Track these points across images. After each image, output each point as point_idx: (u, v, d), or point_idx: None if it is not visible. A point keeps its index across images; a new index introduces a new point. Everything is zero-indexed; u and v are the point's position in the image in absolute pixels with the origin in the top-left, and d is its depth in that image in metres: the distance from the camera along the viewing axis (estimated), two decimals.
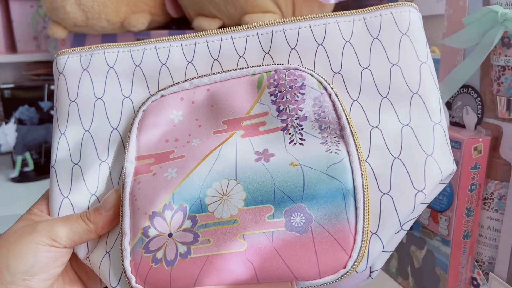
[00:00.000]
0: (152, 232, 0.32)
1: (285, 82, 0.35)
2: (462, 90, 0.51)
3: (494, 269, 0.49)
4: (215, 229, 0.32)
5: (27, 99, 1.06)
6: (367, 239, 0.31)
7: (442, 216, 0.50)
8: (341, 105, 0.34)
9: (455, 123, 0.53)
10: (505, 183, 0.48)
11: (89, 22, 1.02)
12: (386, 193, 0.33)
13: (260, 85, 0.35)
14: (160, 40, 0.38)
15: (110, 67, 0.38)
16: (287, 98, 0.35)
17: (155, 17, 1.05)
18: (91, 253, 0.35)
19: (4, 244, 0.33)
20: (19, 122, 1.02)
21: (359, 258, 0.30)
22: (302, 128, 0.34)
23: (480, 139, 0.47)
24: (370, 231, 0.32)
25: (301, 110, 0.34)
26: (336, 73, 0.36)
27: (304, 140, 0.34)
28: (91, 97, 0.37)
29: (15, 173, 1.02)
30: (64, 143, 0.37)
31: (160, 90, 0.36)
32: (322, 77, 0.35)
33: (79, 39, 1.11)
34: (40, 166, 1.07)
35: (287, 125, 0.35)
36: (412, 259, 0.57)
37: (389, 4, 0.36)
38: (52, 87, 1.08)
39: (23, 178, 1.01)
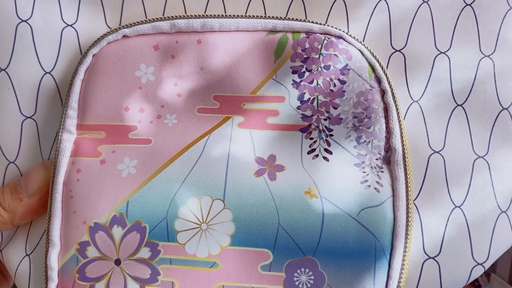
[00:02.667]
0: (91, 251, 0.23)
1: (319, 57, 0.23)
2: None
3: (495, 269, 0.49)
4: (183, 269, 0.22)
5: None
6: None
7: None
8: (398, 114, 0.23)
9: None
10: None
11: None
12: (433, 258, 0.23)
13: (281, 52, 0.23)
14: None
15: None
16: (318, 83, 0.23)
17: None
18: (6, 246, 0.26)
19: None
20: None
21: None
22: (332, 135, 0.23)
23: None
24: None
25: (335, 108, 0.23)
26: (396, 51, 0.24)
27: (330, 153, 0.23)
28: (12, 18, 0.24)
29: None
30: None
31: (123, 27, 0.23)
32: (378, 60, 0.23)
33: None
34: None
35: (310, 124, 0.23)
36: None
37: None
38: None
39: None
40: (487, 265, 0.24)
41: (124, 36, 0.23)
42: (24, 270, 0.25)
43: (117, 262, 0.23)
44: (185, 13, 0.24)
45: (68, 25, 0.24)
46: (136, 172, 0.23)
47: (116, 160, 0.24)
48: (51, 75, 0.24)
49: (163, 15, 0.23)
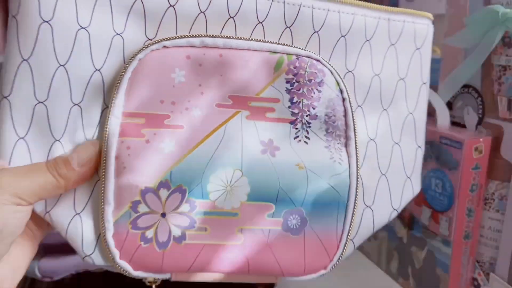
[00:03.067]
0: (142, 208, 0.31)
1: (305, 73, 0.33)
2: (463, 90, 0.51)
3: (495, 269, 0.49)
4: (213, 218, 0.32)
5: None
6: (346, 246, 0.35)
7: (443, 217, 0.50)
8: (352, 114, 0.34)
9: (456, 123, 0.52)
10: (506, 183, 0.48)
11: None
12: (369, 206, 0.36)
13: (279, 68, 0.33)
14: None
15: None
16: (303, 91, 0.33)
17: None
18: (53, 208, 0.31)
19: None
20: None
21: (337, 261, 0.35)
22: (310, 127, 0.34)
23: (481, 139, 0.47)
24: (349, 238, 0.35)
25: (314, 108, 0.34)
26: (349, 71, 0.35)
27: (309, 139, 0.34)
28: (73, 24, 0.29)
29: None
30: (26, 72, 0.29)
31: (165, 39, 0.31)
32: (341, 77, 0.34)
33: None
34: None
35: (296, 119, 0.34)
36: (412, 260, 0.57)
37: (413, 11, 0.36)
38: None
39: None
40: (399, 210, 0.38)
41: (164, 47, 0.31)
42: (75, 227, 0.31)
43: (163, 215, 0.31)
44: (206, 29, 0.32)
45: (117, 33, 0.31)
46: (175, 149, 0.31)
47: (158, 140, 0.31)
48: (99, 72, 0.31)
49: (188, 33, 0.32)
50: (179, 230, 0.32)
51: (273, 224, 0.33)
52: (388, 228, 0.61)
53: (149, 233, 0.31)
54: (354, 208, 0.34)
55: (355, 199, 0.34)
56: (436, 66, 0.57)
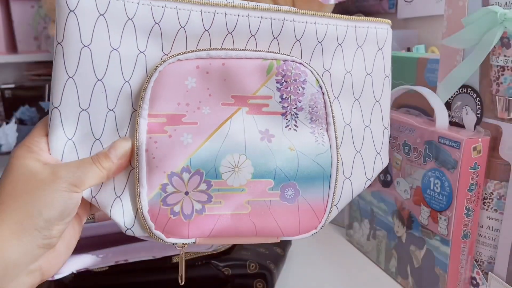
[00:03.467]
0: (170, 188, 0.39)
1: (291, 74, 0.40)
2: (462, 90, 0.51)
3: (493, 268, 0.49)
4: (226, 194, 0.40)
5: (28, 99, 1.07)
6: (331, 210, 0.42)
7: (442, 216, 0.50)
8: (330, 105, 0.42)
9: (455, 123, 0.53)
10: (505, 183, 0.48)
11: None
12: (348, 178, 0.44)
13: (270, 71, 0.40)
14: (181, 2, 0.38)
15: (129, 19, 0.37)
16: (290, 89, 0.40)
17: None
18: (98, 194, 0.39)
19: (29, 190, 0.34)
20: (20, 122, 1.03)
21: (325, 223, 0.42)
22: (297, 117, 0.41)
23: (480, 139, 0.47)
24: (334, 204, 0.43)
25: (300, 102, 0.41)
26: (326, 70, 0.42)
27: (297, 127, 0.41)
28: (107, 47, 0.37)
29: None
30: (72, 87, 0.37)
31: (178, 54, 0.38)
32: (320, 76, 0.41)
33: None
34: None
35: (286, 111, 0.41)
36: (411, 259, 0.57)
37: (375, 19, 0.43)
38: None
39: None
40: (372, 180, 0.45)
41: (178, 60, 0.38)
42: (117, 207, 0.39)
43: (186, 193, 0.39)
44: (210, 44, 0.39)
45: (141, 52, 0.38)
46: (192, 141, 0.39)
47: (178, 135, 0.39)
48: (128, 83, 0.38)
49: (196, 47, 0.39)
50: (200, 205, 0.40)
51: (273, 196, 0.41)
52: (387, 227, 0.61)
53: (177, 208, 0.39)
54: (336, 180, 0.42)
55: (337, 173, 0.42)
56: (434, 67, 0.57)
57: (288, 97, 0.40)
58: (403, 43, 0.88)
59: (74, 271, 0.50)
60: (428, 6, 0.87)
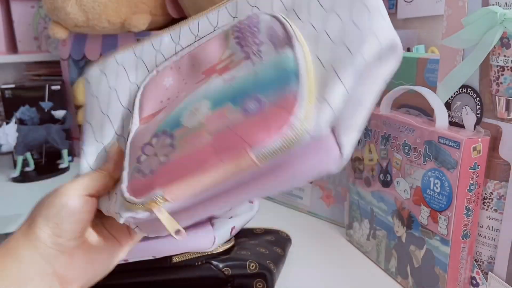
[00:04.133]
0: (142, 158, 0.38)
1: (245, 26, 0.41)
2: (461, 90, 0.51)
3: (493, 268, 0.49)
4: (187, 136, 0.35)
5: (28, 99, 1.07)
6: (310, 101, 0.32)
7: (442, 216, 0.50)
8: (289, 23, 0.38)
9: (454, 123, 0.53)
10: (504, 183, 0.48)
11: (89, 22, 1.02)
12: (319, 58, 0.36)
13: (228, 36, 0.41)
14: (154, 37, 0.46)
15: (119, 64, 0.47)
16: (246, 34, 0.40)
17: (156, 17, 1.05)
18: (109, 206, 0.41)
19: (38, 205, 0.39)
20: (20, 122, 1.02)
21: (302, 115, 0.32)
22: (261, 52, 0.37)
23: (479, 139, 0.47)
24: (315, 97, 0.33)
25: (259, 39, 0.38)
26: (289, 10, 0.41)
27: (262, 58, 0.37)
28: (127, 83, 0.46)
29: (16, 173, 1.02)
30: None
31: (155, 67, 0.45)
32: (274, 13, 0.40)
33: (79, 39, 1.10)
34: (40, 166, 1.07)
35: (249, 54, 0.38)
36: (411, 259, 0.57)
37: None
38: (52, 87, 1.09)
39: (24, 178, 1.01)
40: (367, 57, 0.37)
41: (157, 71, 0.44)
42: (115, 203, 0.39)
43: (155, 154, 0.37)
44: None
45: (132, 82, 0.46)
46: (163, 116, 0.40)
47: (155, 118, 0.41)
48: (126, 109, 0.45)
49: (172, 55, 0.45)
50: (165, 157, 0.36)
51: (233, 115, 0.34)
52: (387, 227, 0.61)
53: (146, 169, 0.37)
54: (306, 70, 0.34)
55: (306, 67, 0.34)
56: (434, 67, 0.57)
57: (247, 42, 0.39)
58: (403, 43, 0.87)
59: None
60: (428, 6, 0.87)
